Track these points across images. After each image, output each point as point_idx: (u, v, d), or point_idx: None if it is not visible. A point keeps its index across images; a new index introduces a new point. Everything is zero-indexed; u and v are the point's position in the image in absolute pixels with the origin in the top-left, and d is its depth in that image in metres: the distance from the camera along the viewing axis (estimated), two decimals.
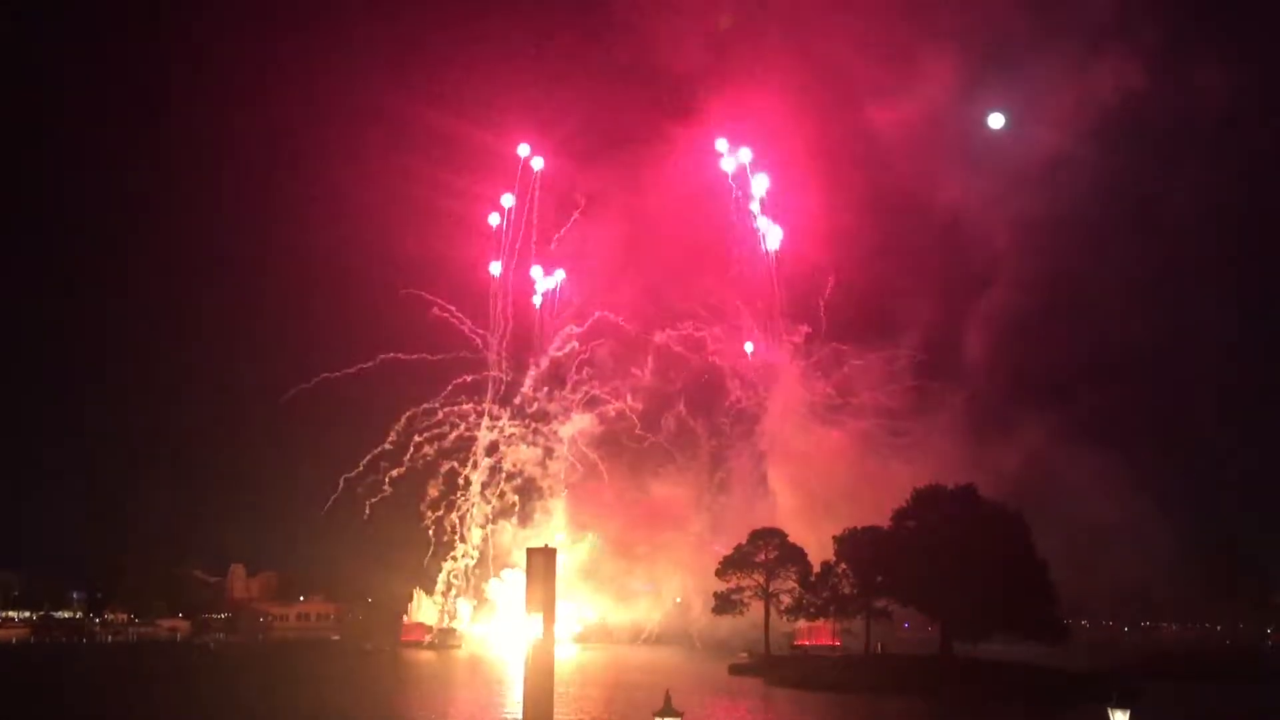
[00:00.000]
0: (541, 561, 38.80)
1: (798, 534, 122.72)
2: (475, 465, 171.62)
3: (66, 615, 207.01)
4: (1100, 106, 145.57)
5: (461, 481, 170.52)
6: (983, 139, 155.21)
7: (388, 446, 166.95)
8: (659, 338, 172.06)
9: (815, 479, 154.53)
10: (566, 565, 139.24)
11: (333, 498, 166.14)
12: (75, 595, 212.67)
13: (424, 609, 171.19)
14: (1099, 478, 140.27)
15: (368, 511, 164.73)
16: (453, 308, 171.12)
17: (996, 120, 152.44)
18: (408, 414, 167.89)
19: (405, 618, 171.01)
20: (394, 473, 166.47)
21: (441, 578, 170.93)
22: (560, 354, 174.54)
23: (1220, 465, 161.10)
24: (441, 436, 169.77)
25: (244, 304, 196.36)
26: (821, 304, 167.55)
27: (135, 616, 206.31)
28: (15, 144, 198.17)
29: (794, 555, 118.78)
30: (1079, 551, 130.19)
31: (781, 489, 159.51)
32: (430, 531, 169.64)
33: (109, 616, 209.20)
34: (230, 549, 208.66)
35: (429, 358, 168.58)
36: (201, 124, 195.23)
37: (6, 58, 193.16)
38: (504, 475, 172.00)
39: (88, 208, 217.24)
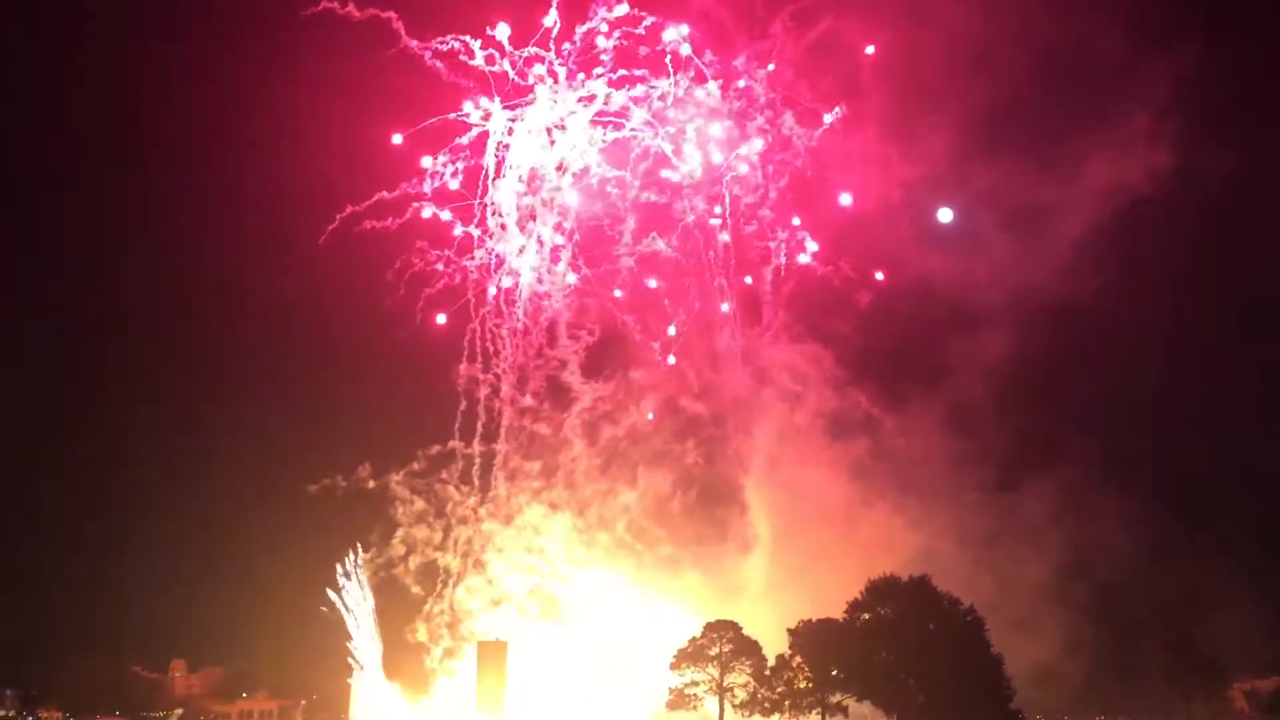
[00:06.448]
0: (492, 656, 38.34)
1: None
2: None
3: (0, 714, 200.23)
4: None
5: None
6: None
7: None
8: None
9: (805, 518, 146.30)
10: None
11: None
12: (9, 693, 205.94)
13: (363, 705, 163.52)
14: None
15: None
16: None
17: (945, 215, 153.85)
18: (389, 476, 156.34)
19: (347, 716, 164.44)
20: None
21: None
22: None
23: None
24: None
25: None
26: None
27: (71, 715, 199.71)
28: None
29: (749, 648, 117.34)
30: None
31: (763, 523, 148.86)
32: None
33: (44, 715, 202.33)
34: (171, 643, 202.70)
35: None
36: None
37: None
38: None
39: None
